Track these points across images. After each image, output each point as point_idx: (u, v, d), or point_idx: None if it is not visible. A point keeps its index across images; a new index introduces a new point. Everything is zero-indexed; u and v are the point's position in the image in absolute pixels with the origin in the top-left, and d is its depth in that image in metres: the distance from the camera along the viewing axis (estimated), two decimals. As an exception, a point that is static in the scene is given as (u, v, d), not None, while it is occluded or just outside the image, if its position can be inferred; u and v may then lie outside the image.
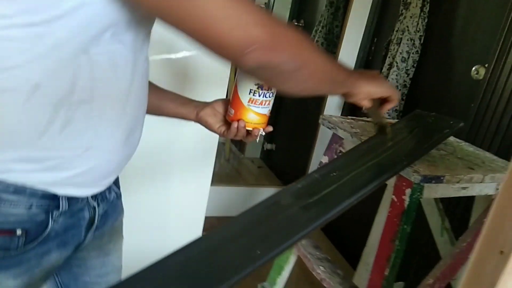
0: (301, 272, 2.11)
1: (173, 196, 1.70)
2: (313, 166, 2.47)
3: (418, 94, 1.88)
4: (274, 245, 0.71)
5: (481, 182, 0.98)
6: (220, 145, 3.40)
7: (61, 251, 0.67)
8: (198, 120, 0.83)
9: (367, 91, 0.76)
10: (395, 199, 0.97)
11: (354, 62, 2.29)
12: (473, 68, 1.56)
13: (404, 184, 0.95)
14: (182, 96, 0.86)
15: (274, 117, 3.59)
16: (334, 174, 0.89)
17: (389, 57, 1.96)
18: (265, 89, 0.72)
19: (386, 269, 0.97)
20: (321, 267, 1.14)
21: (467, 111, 1.49)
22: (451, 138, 1.24)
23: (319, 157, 2.46)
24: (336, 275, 1.12)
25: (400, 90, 1.91)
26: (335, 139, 1.18)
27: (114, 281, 0.85)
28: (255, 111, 0.74)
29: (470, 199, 1.22)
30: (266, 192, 2.40)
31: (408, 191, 0.94)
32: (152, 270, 0.67)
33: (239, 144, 3.46)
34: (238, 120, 0.75)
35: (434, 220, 1.28)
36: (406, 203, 0.94)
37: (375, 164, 0.90)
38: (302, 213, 0.80)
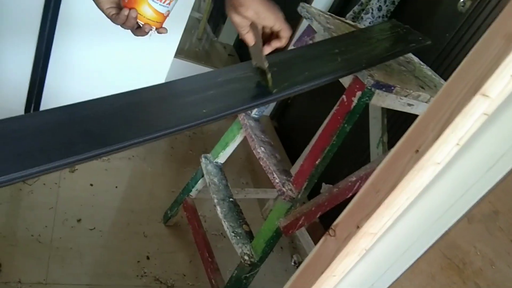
0: (246, 161, 2.24)
1: (136, 61, 1.67)
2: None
3: (403, 16, 1.85)
4: (220, 109, 0.75)
5: (426, 102, 1.04)
6: (195, 21, 3.26)
7: None
8: None
9: (256, 8, 0.68)
10: (345, 99, 1.02)
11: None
12: (461, 0, 1.54)
13: (357, 86, 0.99)
14: None
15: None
16: (297, 59, 0.91)
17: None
18: None
19: (318, 159, 1.06)
20: (262, 148, 1.22)
21: (442, 40, 1.51)
22: (415, 59, 1.27)
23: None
24: (273, 158, 1.21)
25: (387, 5, 1.87)
26: (308, 32, 1.17)
27: None
28: (152, 5, 0.68)
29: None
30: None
31: (358, 93, 0.98)
32: (101, 103, 0.69)
33: (215, 26, 3.33)
34: (130, 8, 0.68)
35: (375, 131, 1.37)
36: (353, 104, 1.00)
37: (339, 60, 0.93)
38: (254, 87, 0.82)
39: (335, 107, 1.03)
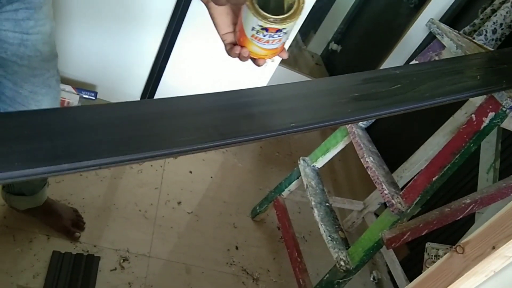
0: (327, 169, 2.25)
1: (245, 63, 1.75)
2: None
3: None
4: (306, 122, 0.73)
5: (562, 132, 0.99)
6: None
7: None
8: (207, 8, 0.64)
9: None
10: (474, 118, 1.00)
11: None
12: None
13: (490, 107, 0.97)
14: None
15: (349, 16, 3.43)
16: (436, 72, 0.91)
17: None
18: (271, 31, 0.59)
19: (436, 176, 1.05)
20: (371, 157, 1.23)
21: None
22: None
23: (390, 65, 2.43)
24: (382, 169, 1.22)
25: (502, 28, 1.79)
26: (434, 47, 1.17)
27: (36, 67, 0.82)
28: (260, 46, 0.62)
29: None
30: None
31: (491, 114, 0.96)
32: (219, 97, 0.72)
33: (305, 35, 3.38)
34: (242, 47, 0.63)
35: (487, 156, 1.32)
36: (484, 124, 0.98)
37: (478, 78, 0.91)
38: (355, 102, 0.79)
39: (463, 126, 1.02)
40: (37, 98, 0.88)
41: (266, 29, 0.58)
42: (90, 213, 1.36)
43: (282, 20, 0.57)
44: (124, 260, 1.28)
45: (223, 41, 0.66)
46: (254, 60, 0.67)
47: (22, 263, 1.15)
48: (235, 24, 0.64)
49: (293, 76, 2.49)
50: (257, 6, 0.56)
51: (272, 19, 0.57)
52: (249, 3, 0.56)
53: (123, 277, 1.24)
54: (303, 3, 0.58)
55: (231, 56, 0.66)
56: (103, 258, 1.25)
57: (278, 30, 0.58)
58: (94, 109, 0.58)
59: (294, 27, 0.60)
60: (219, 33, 0.66)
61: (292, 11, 0.57)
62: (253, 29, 0.59)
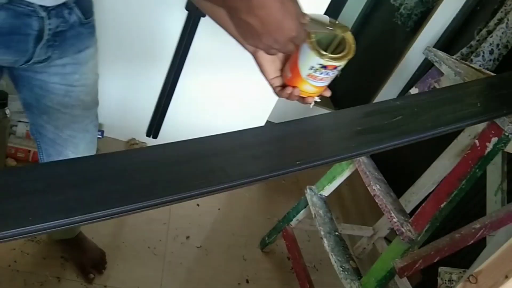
0: (334, 194, 2.24)
1: (247, 100, 1.79)
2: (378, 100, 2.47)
3: (517, 59, 1.79)
4: (313, 159, 0.73)
5: None
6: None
7: (4, 52, 0.72)
8: (254, 57, 0.68)
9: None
10: (477, 144, 1.01)
11: (458, 9, 2.15)
12: None
13: (493, 132, 0.98)
14: None
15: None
16: (437, 102, 0.93)
17: (501, 12, 1.84)
18: (329, 69, 0.63)
19: (444, 203, 1.05)
20: (377, 185, 1.23)
21: None
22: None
23: (387, 95, 2.45)
24: (389, 196, 1.22)
25: (499, 48, 1.82)
26: (433, 74, 1.19)
27: (78, 115, 0.90)
28: (313, 84, 0.66)
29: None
30: (315, 110, 2.43)
31: (494, 139, 0.97)
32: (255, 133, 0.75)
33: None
34: (293, 87, 0.68)
35: (493, 178, 1.31)
36: (488, 150, 0.98)
37: (478, 105, 0.93)
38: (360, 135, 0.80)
39: (466, 151, 1.03)
40: (75, 141, 0.95)
41: (325, 67, 0.63)
42: (100, 253, 1.35)
43: (341, 58, 0.62)
44: (134, 300, 1.28)
45: (271, 85, 0.71)
46: (302, 99, 0.71)
47: (33, 307, 1.15)
48: (277, 70, 0.69)
49: (294, 103, 2.51)
50: (318, 47, 0.61)
51: (333, 57, 0.61)
52: (310, 44, 0.61)
53: (134, 318, 1.23)
54: (354, 42, 0.64)
55: (281, 97, 0.70)
56: (113, 298, 1.25)
57: (335, 68, 0.63)
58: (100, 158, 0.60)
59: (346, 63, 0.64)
60: (267, 78, 0.70)
61: (347, 49, 0.63)
62: (311, 68, 0.63)
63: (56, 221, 0.49)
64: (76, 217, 0.51)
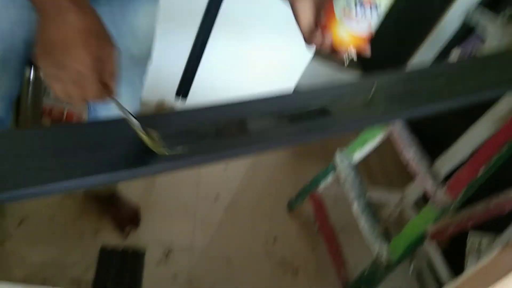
0: (362, 164, 2.23)
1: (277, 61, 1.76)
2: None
3: None
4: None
5: None
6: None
7: None
8: (291, 3, 0.67)
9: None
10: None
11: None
12: None
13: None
14: None
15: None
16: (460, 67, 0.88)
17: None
18: (365, 4, 0.59)
19: (481, 170, 1.02)
20: (412, 150, 1.21)
21: None
22: None
23: (420, 61, 2.35)
24: (424, 161, 1.19)
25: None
26: (474, 40, 1.12)
27: (124, 66, 0.85)
28: (348, 27, 0.62)
29: None
30: (343, 75, 2.36)
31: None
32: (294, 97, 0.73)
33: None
34: (325, 32, 0.64)
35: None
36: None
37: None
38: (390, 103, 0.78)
39: (506, 118, 0.98)
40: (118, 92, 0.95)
41: (361, 3, 0.59)
42: (134, 209, 1.41)
43: None
44: (167, 254, 1.33)
45: (302, 32, 0.67)
46: (336, 53, 0.66)
47: (74, 257, 1.22)
48: (313, 17, 0.66)
49: (325, 71, 2.45)
50: None
51: None
52: None
53: (167, 270, 1.29)
54: None
55: (311, 43, 0.66)
56: (147, 252, 1.30)
57: (372, 7, 0.59)
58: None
59: (387, 6, 0.60)
60: (300, 28, 0.67)
61: None
62: (347, 2, 0.60)
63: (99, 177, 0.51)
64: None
